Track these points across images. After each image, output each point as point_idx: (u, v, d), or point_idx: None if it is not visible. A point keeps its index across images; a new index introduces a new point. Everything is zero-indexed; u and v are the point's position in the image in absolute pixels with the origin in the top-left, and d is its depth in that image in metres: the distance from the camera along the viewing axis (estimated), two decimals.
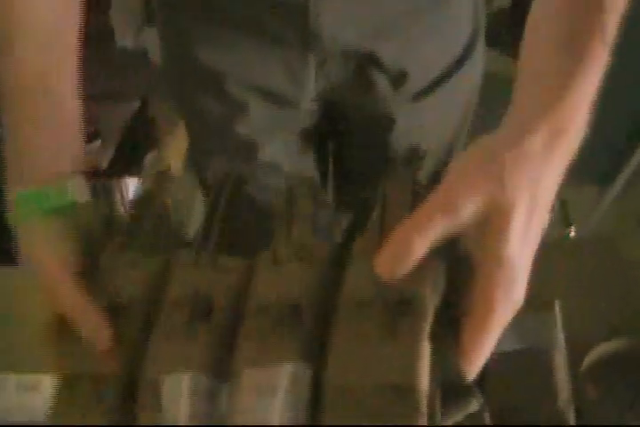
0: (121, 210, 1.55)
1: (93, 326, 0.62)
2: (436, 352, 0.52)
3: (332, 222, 0.64)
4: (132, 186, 1.76)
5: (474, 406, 0.53)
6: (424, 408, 0.50)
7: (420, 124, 1.07)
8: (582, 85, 0.56)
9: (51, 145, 0.68)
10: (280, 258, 0.60)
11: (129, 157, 1.88)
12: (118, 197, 1.77)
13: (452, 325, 0.53)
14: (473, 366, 0.52)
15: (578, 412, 0.65)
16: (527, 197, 0.52)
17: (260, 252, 0.62)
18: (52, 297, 0.65)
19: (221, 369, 0.58)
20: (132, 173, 1.80)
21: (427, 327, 0.52)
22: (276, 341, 0.56)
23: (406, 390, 0.50)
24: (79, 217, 0.68)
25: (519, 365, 0.65)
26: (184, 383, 0.58)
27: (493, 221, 0.52)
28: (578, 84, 0.56)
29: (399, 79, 0.99)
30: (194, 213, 1.94)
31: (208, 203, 0.67)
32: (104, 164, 1.81)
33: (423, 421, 0.49)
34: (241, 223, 0.66)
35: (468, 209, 0.51)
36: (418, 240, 0.51)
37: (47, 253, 0.66)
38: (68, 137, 0.69)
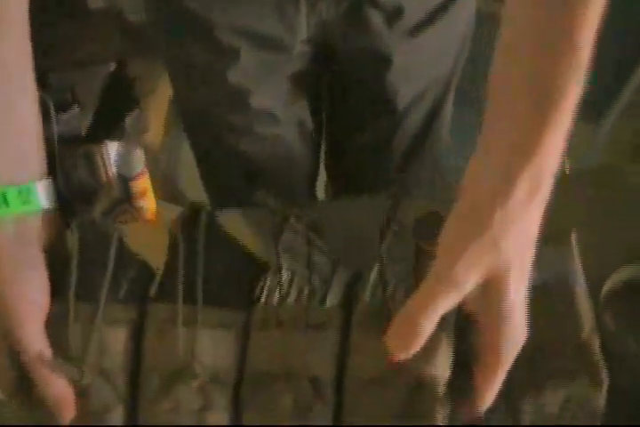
0: (103, 176, 1.51)
1: (57, 391, 0.58)
2: (454, 403, 0.57)
3: (329, 276, 0.63)
4: (112, 150, 1.73)
5: None
6: None
7: (417, 61, 1.05)
8: (558, 126, 0.55)
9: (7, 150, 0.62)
10: (279, 321, 0.60)
11: (109, 121, 1.85)
12: (100, 162, 1.73)
13: (464, 370, 0.58)
14: (488, 401, 0.57)
15: (600, 343, 0.64)
16: (519, 253, 0.55)
17: (252, 307, 0.61)
18: (14, 345, 0.59)
19: None
20: (113, 138, 1.78)
21: (442, 411, 0.56)
22: (299, 415, 0.57)
23: None
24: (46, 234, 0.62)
25: (540, 300, 0.64)
26: None
27: (492, 283, 0.54)
28: (553, 127, 0.55)
29: (394, 15, 0.96)
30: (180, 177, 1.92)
31: (181, 244, 0.63)
32: (83, 130, 1.79)
33: None
34: (223, 266, 0.63)
35: (470, 282, 0.53)
36: (424, 321, 0.53)
37: (16, 288, 0.59)
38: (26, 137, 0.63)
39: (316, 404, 0.57)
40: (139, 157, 1.72)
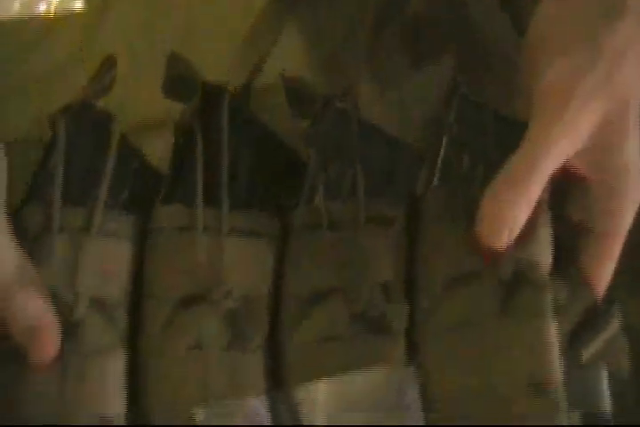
0: None
1: (35, 314, 0.39)
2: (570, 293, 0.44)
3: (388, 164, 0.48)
4: None
5: (614, 326, 0.46)
6: (563, 404, 0.42)
7: None
8: None
9: None
10: (330, 221, 0.45)
11: None
12: None
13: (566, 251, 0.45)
14: (607, 280, 0.46)
15: None
16: (635, 88, 0.45)
17: (291, 209, 0.46)
18: None
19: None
20: None
21: (550, 301, 0.43)
22: (369, 334, 0.43)
23: (541, 387, 0.42)
24: None
25: None
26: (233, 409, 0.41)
27: (607, 129, 0.44)
28: None
29: None
30: None
31: (198, 134, 0.46)
32: None
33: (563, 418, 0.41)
34: (254, 160, 0.47)
35: (584, 127, 0.43)
36: (534, 185, 0.42)
37: None
38: None
39: (386, 316, 0.43)
40: None
